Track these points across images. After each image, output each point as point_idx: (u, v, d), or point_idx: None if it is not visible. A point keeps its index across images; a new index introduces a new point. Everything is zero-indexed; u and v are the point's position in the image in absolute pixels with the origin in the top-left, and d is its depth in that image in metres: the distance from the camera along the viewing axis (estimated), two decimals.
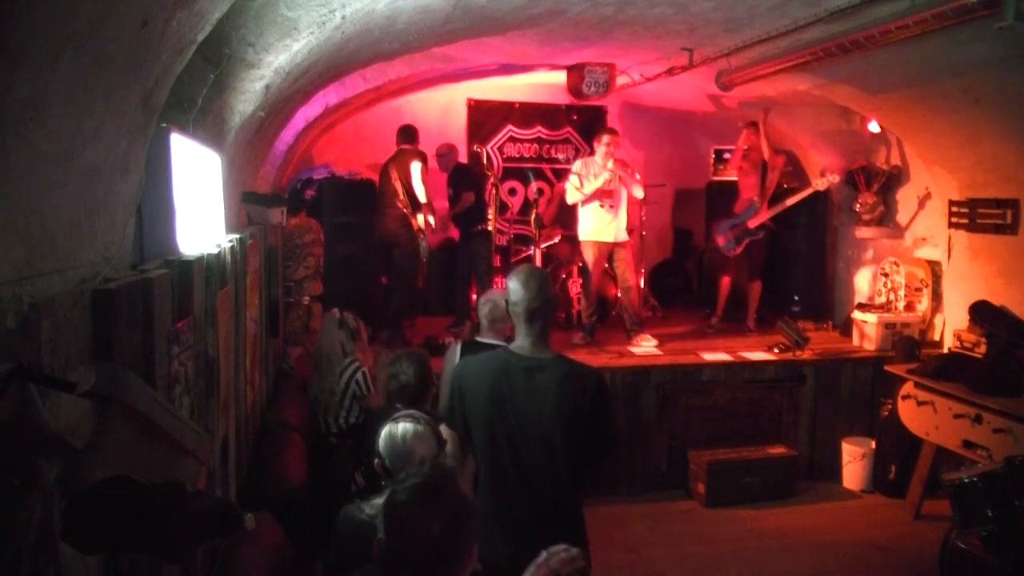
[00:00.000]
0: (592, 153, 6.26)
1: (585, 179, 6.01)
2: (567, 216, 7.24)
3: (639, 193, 6.16)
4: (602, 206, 6.01)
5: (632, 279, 6.21)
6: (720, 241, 6.51)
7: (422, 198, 6.03)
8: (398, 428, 2.48)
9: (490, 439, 2.46)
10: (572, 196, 6.11)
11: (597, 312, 6.31)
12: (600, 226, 6.04)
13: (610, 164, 5.92)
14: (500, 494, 2.47)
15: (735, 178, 6.69)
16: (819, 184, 6.37)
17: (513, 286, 2.52)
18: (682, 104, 7.36)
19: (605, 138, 6.00)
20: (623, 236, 6.15)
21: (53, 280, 1.29)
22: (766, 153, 6.38)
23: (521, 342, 2.52)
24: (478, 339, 3.70)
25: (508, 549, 2.32)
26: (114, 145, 1.52)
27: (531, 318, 2.48)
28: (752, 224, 6.40)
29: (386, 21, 3.18)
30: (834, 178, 6.40)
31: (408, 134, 6.36)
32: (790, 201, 6.45)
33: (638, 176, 6.21)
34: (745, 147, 6.51)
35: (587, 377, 2.51)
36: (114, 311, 1.45)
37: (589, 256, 6.11)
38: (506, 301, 2.57)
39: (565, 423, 2.41)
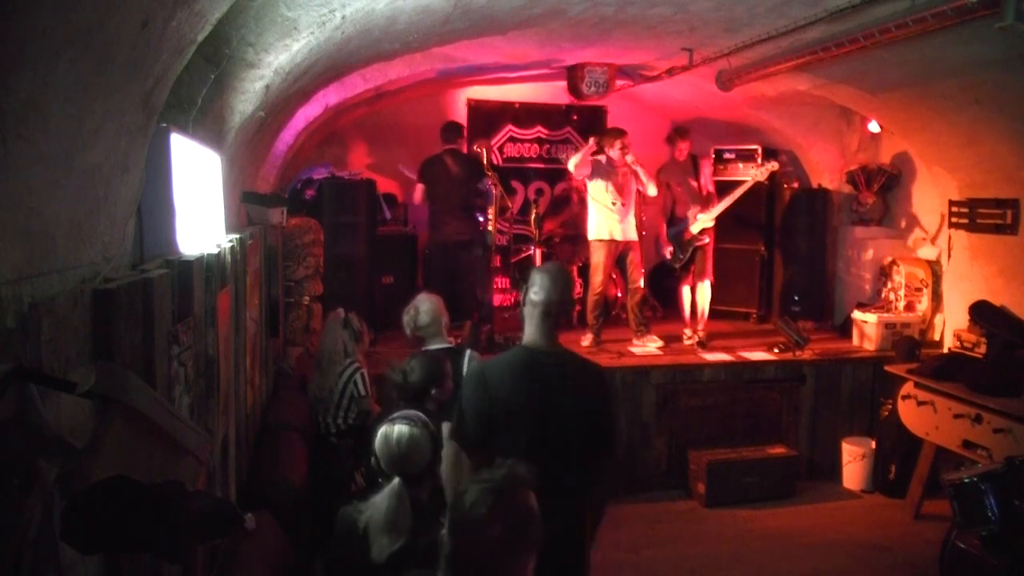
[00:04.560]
0: (596, 153, 6.21)
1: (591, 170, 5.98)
2: (570, 216, 7.24)
3: (653, 191, 6.07)
4: (612, 204, 5.97)
5: (640, 280, 6.18)
6: (668, 255, 6.34)
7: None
8: (393, 430, 2.48)
9: (524, 432, 2.48)
10: (572, 163, 6.00)
11: (604, 313, 6.30)
12: (610, 225, 5.99)
13: (630, 159, 5.88)
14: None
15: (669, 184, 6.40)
16: (758, 174, 6.22)
17: (539, 282, 2.57)
18: (682, 103, 7.37)
19: (618, 144, 5.93)
20: (633, 236, 6.09)
21: (53, 280, 1.29)
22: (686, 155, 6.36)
23: (536, 339, 2.58)
24: (427, 348, 3.65)
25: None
26: (114, 145, 1.52)
27: (547, 314, 2.55)
28: (695, 230, 6.24)
29: (386, 21, 3.18)
30: (773, 165, 6.25)
31: (456, 131, 6.50)
32: (730, 198, 6.26)
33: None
34: (679, 157, 6.39)
35: (598, 372, 2.69)
36: (114, 311, 1.45)
37: (599, 257, 6.04)
38: (523, 294, 2.63)
39: (584, 414, 2.52)
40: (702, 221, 6.25)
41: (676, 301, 6.60)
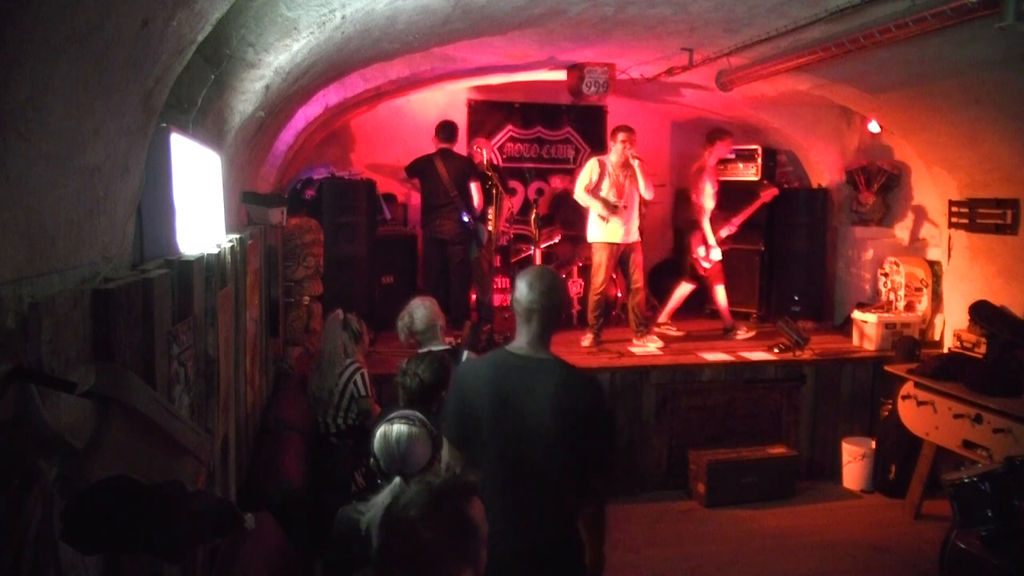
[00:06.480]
0: (595, 152, 6.22)
1: (596, 179, 5.95)
2: (570, 216, 7.24)
3: (649, 194, 6.06)
4: (615, 206, 5.97)
5: (641, 280, 6.18)
6: (713, 254, 6.43)
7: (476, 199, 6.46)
8: (392, 429, 2.48)
9: (491, 438, 2.46)
10: (579, 195, 6.00)
11: (604, 313, 6.29)
12: (612, 227, 5.96)
13: (635, 163, 5.86)
14: (501, 491, 2.46)
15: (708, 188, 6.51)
16: (765, 195, 6.64)
17: (518, 285, 2.53)
18: (682, 103, 7.36)
19: (621, 135, 5.93)
20: (635, 237, 6.09)
21: (53, 280, 1.29)
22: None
23: (519, 342, 2.52)
24: (429, 349, 3.68)
25: (507, 547, 2.32)
26: (114, 145, 1.52)
27: (528, 319, 2.49)
28: (725, 235, 6.57)
29: (386, 21, 3.18)
30: (773, 188, 6.73)
31: (449, 132, 6.53)
32: (748, 212, 6.61)
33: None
34: (722, 157, 6.67)
35: (586, 383, 2.51)
36: (114, 311, 1.45)
37: (600, 258, 6.02)
38: (511, 299, 2.60)
39: (561, 425, 2.40)
40: (727, 228, 6.57)
41: (693, 304, 6.80)
